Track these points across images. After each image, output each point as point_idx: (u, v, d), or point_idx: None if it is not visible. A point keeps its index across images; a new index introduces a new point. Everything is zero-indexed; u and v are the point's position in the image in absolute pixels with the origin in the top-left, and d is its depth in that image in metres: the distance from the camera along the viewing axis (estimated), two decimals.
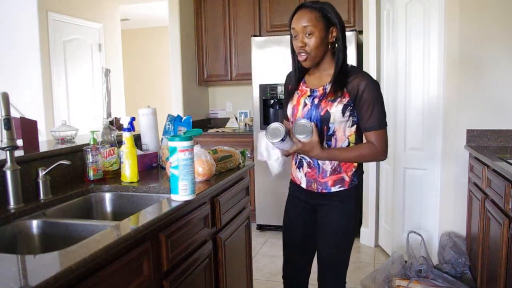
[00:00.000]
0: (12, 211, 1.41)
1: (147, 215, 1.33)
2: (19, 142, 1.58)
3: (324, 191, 1.70)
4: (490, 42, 2.77)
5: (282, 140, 1.53)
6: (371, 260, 3.32)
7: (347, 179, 1.68)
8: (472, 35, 2.80)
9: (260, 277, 3.03)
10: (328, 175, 1.69)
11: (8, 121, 1.40)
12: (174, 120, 2.19)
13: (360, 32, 3.76)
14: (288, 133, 1.57)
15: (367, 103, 1.58)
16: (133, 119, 1.92)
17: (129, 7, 5.79)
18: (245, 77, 4.32)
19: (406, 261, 2.84)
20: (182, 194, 1.47)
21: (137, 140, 2.16)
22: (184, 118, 2.22)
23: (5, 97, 1.39)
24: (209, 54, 4.52)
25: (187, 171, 1.46)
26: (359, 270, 3.12)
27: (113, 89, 3.99)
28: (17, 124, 1.69)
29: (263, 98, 3.92)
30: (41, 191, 1.58)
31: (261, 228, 4.04)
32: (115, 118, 2.32)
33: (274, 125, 1.56)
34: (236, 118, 4.71)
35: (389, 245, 3.30)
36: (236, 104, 4.80)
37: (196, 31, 4.55)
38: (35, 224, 1.42)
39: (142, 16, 6.69)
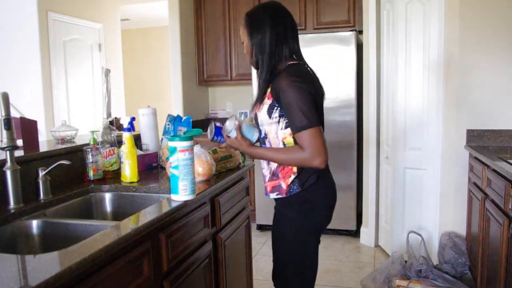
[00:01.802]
0: (12, 211, 1.41)
1: (147, 215, 1.33)
2: (19, 142, 1.58)
3: (266, 195, 1.68)
4: (490, 42, 2.77)
5: (212, 138, 1.68)
6: (371, 260, 3.32)
7: (284, 186, 1.59)
8: (472, 35, 2.80)
9: (260, 277, 3.03)
10: (267, 180, 1.66)
11: (8, 121, 1.40)
12: (174, 120, 2.19)
13: (360, 32, 3.76)
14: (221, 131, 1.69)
15: (285, 105, 1.50)
16: (133, 119, 1.92)
17: (129, 7, 5.78)
18: (245, 77, 4.32)
19: (406, 261, 2.84)
20: (182, 194, 1.47)
21: (137, 140, 2.16)
22: (184, 118, 2.22)
23: (5, 97, 1.39)
24: (209, 54, 4.52)
25: (187, 171, 1.46)
26: (359, 270, 3.12)
27: (113, 89, 3.98)
28: (17, 124, 1.69)
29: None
30: (41, 191, 1.58)
31: (261, 228, 4.04)
32: (115, 118, 2.32)
33: (211, 125, 1.67)
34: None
35: (389, 245, 3.30)
36: (236, 104, 4.80)
37: (196, 31, 4.55)
38: (35, 224, 1.42)
39: (142, 16, 6.69)
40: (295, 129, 1.49)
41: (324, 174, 1.63)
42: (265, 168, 1.67)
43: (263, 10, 1.63)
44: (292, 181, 1.58)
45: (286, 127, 1.55)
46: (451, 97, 2.88)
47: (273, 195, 1.64)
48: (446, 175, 2.96)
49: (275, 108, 1.54)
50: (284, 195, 1.60)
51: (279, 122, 1.56)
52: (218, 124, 1.67)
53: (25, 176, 1.55)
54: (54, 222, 1.42)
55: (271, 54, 1.57)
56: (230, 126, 1.64)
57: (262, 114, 1.58)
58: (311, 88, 1.52)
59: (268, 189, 1.65)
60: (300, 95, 1.47)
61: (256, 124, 1.67)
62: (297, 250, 1.64)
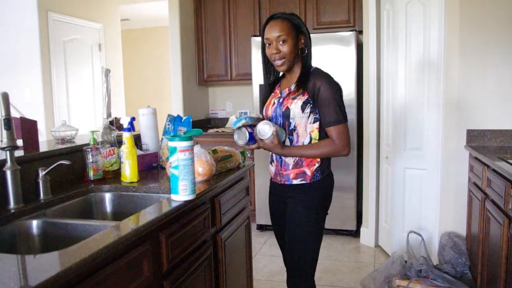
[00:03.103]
0: (12, 211, 1.41)
1: (147, 215, 1.33)
2: (19, 142, 1.58)
3: (286, 183, 1.83)
4: (490, 42, 2.77)
5: (246, 143, 1.76)
6: (371, 260, 3.32)
7: (308, 173, 1.78)
8: (472, 34, 2.80)
9: (260, 277, 3.03)
10: (290, 168, 1.81)
11: (8, 121, 1.40)
12: (174, 120, 2.19)
13: (360, 32, 3.76)
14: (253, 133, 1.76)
15: (323, 101, 1.71)
16: (133, 119, 1.92)
17: (129, 7, 5.79)
18: (245, 77, 4.32)
19: (406, 261, 2.84)
20: (182, 194, 1.47)
21: (137, 140, 2.16)
22: (184, 118, 2.22)
23: (5, 97, 1.39)
24: (209, 54, 4.52)
25: (187, 171, 1.47)
26: (359, 270, 3.12)
27: (113, 89, 3.99)
28: (17, 124, 1.69)
29: (264, 97, 3.91)
30: (41, 191, 1.57)
31: (261, 228, 4.04)
32: (115, 118, 2.32)
33: (243, 132, 1.75)
34: (236, 118, 4.71)
35: (389, 245, 3.30)
36: (236, 104, 4.80)
37: (196, 31, 4.55)
38: (35, 224, 1.42)
39: (142, 16, 6.69)
40: (331, 122, 1.71)
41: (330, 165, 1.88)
42: (288, 158, 1.80)
43: (298, 17, 1.81)
44: (316, 169, 1.78)
45: (314, 122, 1.76)
46: (451, 97, 2.88)
47: (296, 181, 1.80)
48: (446, 175, 2.96)
49: (309, 104, 1.74)
50: (308, 181, 1.78)
51: (309, 116, 1.75)
52: (249, 129, 1.74)
53: (25, 176, 1.55)
54: (54, 222, 1.42)
55: (309, 55, 1.80)
56: (267, 131, 1.71)
57: (296, 108, 1.75)
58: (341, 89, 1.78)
59: (292, 175, 1.80)
60: (338, 94, 1.73)
61: (285, 116, 1.77)
62: (317, 229, 1.82)
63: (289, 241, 1.84)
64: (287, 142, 1.79)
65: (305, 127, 1.76)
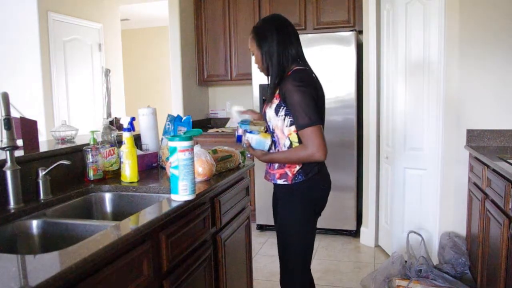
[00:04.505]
0: (12, 211, 1.41)
1: (147, 215, 1.33)
2: (19, 142, 1.58)
3: (272, 181, 1.88)
4: (490, 41, 2.77)
5: (237, 141, 1.89)
6: (371, 260, 3.32)
7: (290, 174, 1.80)
8: (472, 34, 2.80)
9: (260, 277, 3.03)
10: (276, 168, 1.85)
11: (8, 121, 1.40)
12: (174, 120, 2.19)
13: (360, 32, 3.76)
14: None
15: (290, 106, 1.72)
16: (133, 119, 1.93)
17: (129, 7, 5.78)
18: (245, 77, 4.32)
19: (406, 261, 2.84)
20: (182, 194, 1.47)
21: (137, 140, 2.16)
22: (184, 118, 2.22)
23: (5, 97, 1.39)
24: (209, 54, 4.52)
25: (187, 171, 1.47)
26: (359, 270, 3.12)
27: (113, 89, 3.99)
28: (17, 124, 1.69)
29: (263, 98, 3.92)
30: (41, 191, 1.58)
31: (261, 228, 4.04)
32: (115, 118, 2.32)
33: (238, 129, 1.87)
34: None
35: (389, 245, 3.30)
36: (236, 104, 4.79)
37: (196, 31, 4.55)
38: (35, 224, 1.42)
39: (142, 16, 6.69)
40: (299, 127, 1.70)
41: (322, 166, 1.87)
42: None
43: (267, 22, 1.84)
44: (298, 171, 1.79)
45: (290, 125, 1.76)
46: (451, 97, 2.88)
47: (280, 181, 1.83)
48: (446, 175, 2.96)
49: (282, 107, 1.76)
50: (290, 182, 1.80)
51: (284, 120, 1.77)
52: (240, 131, 1.86)
53: (25, 176, 1.55)
54: (54, 222, 1.42)
55: (279, 59, 1.78)
56: (244, 140, 1.84)
57: (271, 111, 1.80)
58: (313, 92, 1.73)
59: (277, 175, 1.84)
60: (303, 98, 1.69)
61: (266, 119, 1.84)
62: (305, 230, 1.83)
63: (278, 240, 1.89)
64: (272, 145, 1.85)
65: (282, 130, 1.78)
